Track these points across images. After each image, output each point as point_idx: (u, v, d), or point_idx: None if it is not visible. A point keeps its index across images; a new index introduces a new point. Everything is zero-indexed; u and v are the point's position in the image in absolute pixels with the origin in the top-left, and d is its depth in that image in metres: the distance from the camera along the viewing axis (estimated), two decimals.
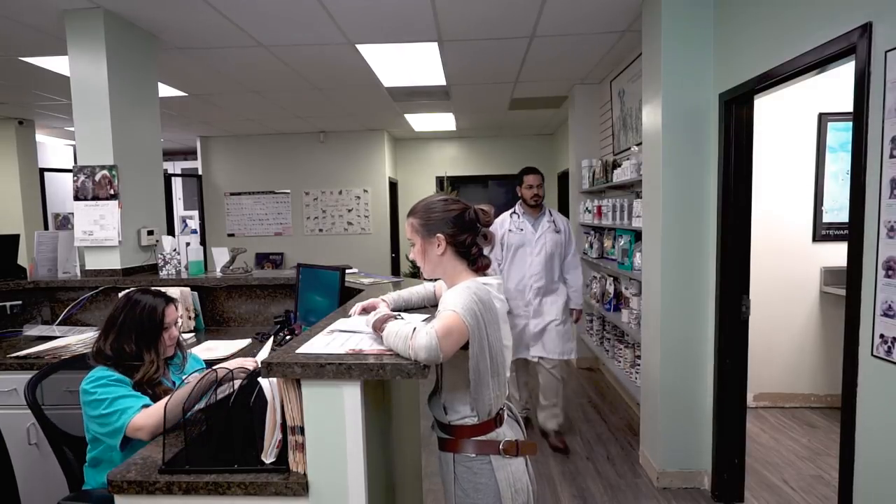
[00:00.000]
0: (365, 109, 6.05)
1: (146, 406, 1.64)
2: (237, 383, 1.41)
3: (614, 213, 4.08)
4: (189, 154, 8.69)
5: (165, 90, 4.77)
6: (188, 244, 3.23)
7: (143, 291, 1.87)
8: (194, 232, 7.78)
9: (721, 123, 2.69)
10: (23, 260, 3.54)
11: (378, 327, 1.40)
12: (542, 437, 3.54)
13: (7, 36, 3.40)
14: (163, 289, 2.78)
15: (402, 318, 1.45)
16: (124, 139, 3.18)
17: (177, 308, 1.90)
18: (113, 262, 3.12)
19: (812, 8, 2.06)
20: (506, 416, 1.54)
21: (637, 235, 3.65)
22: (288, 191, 7.65)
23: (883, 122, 1.69)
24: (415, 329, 1.30)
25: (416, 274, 6.90)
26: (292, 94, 5.21)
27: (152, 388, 1.76)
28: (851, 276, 1.83)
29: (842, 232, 3.80)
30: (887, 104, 1.67)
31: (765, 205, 3.78)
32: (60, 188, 6.92)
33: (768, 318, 3.86)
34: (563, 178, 6.38)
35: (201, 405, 1.51)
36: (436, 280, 1.80)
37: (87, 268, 3.14)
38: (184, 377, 1.80)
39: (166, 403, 1.41)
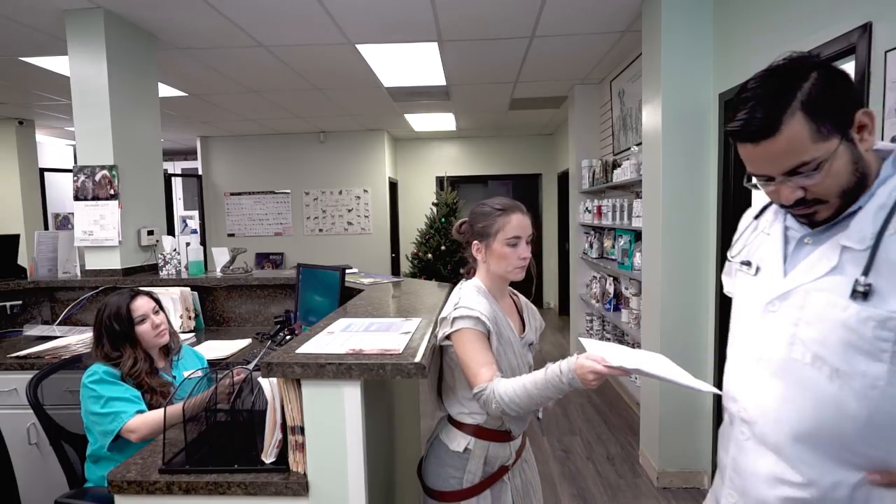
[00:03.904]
0: (365, 109, 6.05)
1: (140, 412, 1.68)
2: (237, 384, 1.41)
3: (614, 213, 4.08)
4: (189, 154, 8.69)
5: (165, 90, 4.77)
6: (188, 244, 3.23)
7: (113, 292, 1.90)
8: (194, 232, 7.78)
9: (721, 123, 2.69)
10: (23, 260, 3.53)
11: None
12: None
13: (7, 36, 3.40)
14: (162, 289, 2.82)
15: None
16: (124, 139, 3.18)
17: (154, 298, 1.91)
18: (113, 262, 3.12)
19: (812, 8, 2.06)
20: None
21: (637, 235, 3.65)
22: (288, 191, 7.65)
23: (883, 122, 1.69)
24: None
25: (415, 274, 6.86)
26: (292, 94, 5.21)
27: (148, 381, 1.78)
28: None
29: None
30: (887, 104, 1.67)
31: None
32: (60, 188, 6.91)
33: None
34: (563, 178, 6.38)
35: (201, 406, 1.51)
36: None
37: (87, 268, 3.14)
38: (184, 373, 1.81)
39: (165, 412, 1.41)
